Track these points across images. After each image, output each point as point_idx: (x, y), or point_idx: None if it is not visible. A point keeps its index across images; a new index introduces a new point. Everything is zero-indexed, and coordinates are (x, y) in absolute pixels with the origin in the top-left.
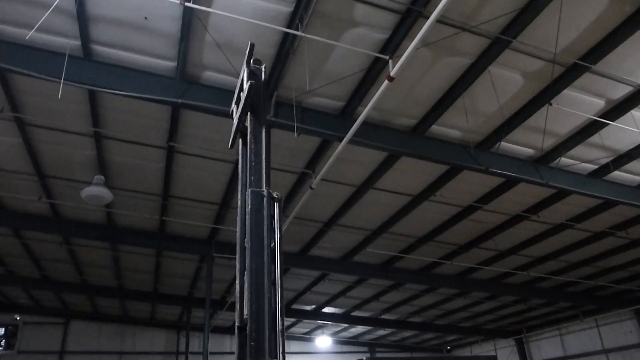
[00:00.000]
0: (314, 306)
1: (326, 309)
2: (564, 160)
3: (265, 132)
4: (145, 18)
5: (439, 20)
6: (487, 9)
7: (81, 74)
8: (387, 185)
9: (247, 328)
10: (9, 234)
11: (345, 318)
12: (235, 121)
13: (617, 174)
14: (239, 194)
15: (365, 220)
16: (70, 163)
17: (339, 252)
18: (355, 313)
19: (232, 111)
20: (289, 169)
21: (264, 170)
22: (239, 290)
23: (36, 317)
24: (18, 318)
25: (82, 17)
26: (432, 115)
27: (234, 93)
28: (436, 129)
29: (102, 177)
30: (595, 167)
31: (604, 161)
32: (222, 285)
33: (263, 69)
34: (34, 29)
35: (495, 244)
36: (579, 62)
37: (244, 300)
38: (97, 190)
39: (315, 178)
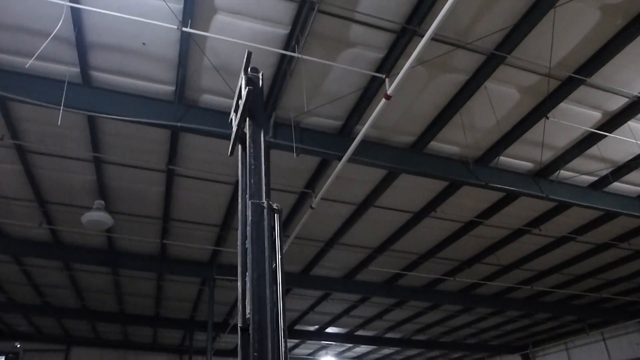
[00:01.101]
0: (317, 326)
1: (330, 329)
2: (563, 173)
3: (264, 136)
4: (144, 44)
5: (433, 38)
6: (481, 26)
7: (80, 100)
8: (387, 202)
9: (250, 338)
10: (9, 260)
11: (349, 338)
12: (234, 128)
13: (617, 185)
14: (240, 198)
15: (366, 238)
16: (70, 189)
17: (341, 271)
18: (359, 332)
19: (231, 119)
20: (288, 189)
21: (263, 174)
22: (241, 291)
23: (37, 344)
24: (18, 345)
25: (81, 45)
26: (430, 132)
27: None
28: (435, 145)
29: (102, 202)
30: (595, 178)
31: (603, 173)
32: (224, 307)
33: (260, 77)
34: (33, 57)
35: (498, 258)
36: (574, 75)
37: (246, 302)
38: (97, 215)
39: (315, 197)
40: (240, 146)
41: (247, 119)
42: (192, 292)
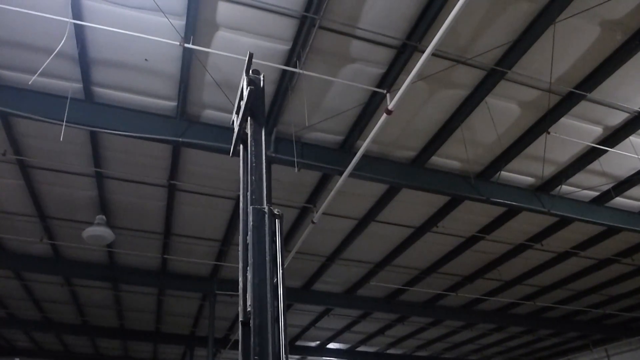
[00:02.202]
0: (318, 342)
1: (331, 345)
2: (565, 188)
3: (265, 135)
4: (146, 60)
5: (434, 54)
6: (481, 41)
7: (83, 115)
8: (388, 217)
9: (251, 342)
10: (10, 276)
11: (350, 354)
12: (236, 128)
13: (619, 200)
14: (241, 196)
15: (367, 253)
16: (71, 204)
17: (342, 287)
18: (361, 348)
19: (233, 121)
20: (290, 204)
21: (264, 171)
22: (242, 286)
23: None
24: None
25: (84, 61)
26: (431, 147)
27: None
28: (436, 160)
29: (104, 217)
30: (597, 193)
31: (605, 188)
32: (225, 323)
33: (262, 78)
34: (36, 74)
35: (500, 274)
36: (575, 90)
37: (247, 296)
38: (98, 230)
39: (316, 212)
40: (241, 146)
41: (249, 118)
42: (192, 308)
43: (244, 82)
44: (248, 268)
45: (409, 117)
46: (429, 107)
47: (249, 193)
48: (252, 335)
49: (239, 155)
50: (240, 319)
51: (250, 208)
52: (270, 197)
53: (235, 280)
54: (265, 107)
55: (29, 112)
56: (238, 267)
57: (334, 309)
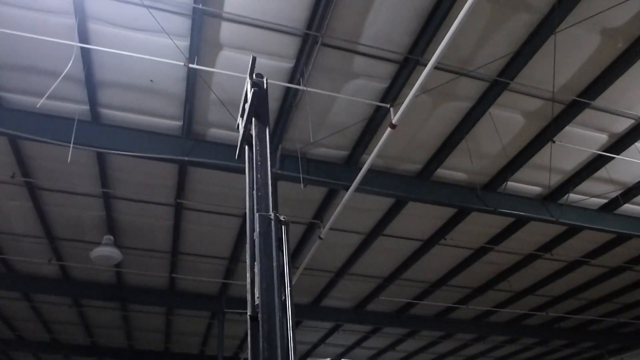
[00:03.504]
0: (329, 359)
1: None
2: (572, 197)
3: (269, 135)
4: (151, 81)
5: (436, 67)
6: (483, 53)
7: (90, 137)
8: (396, 231)
9: (260, 346)
10: (19, 297)
11: None
12: (240, 131)
13: (628, 207)
14: (247, 195)
15: (376, 267)
16: (79, 224)
17: (351, 302)
18: None
19: (238, 125)
20: (297, 220)
21: (269, 170)
22: (249, 281)
23: None
24: None
25: (90, 83)
26: (436, 159)
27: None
28: (441, 172)
29: (112, 237)
30: (605, 201)
31: (613, 195)
32: (234, 341)
33: (265, 81)
34: (44, 97)
35: (510, 285)
36: (578, 99)
37: (255, 290)
38: (106, 251)
39: (323, 228)
40: (247, 147)
41: (253, 119)
42: (201, 326)
43: (247, 85)
44: (255, 263)
45: (413, 130)
46: (433, 119)
47: (254, 192)
48: (260, 340)
49: (244, 158)
50: (249, 313)
51: (256, 215)
52: (276, 204)
53: (244, 298)
54: (269, 108)
55: (37, 134)
56: (246, 285)
57: (343, 325)
